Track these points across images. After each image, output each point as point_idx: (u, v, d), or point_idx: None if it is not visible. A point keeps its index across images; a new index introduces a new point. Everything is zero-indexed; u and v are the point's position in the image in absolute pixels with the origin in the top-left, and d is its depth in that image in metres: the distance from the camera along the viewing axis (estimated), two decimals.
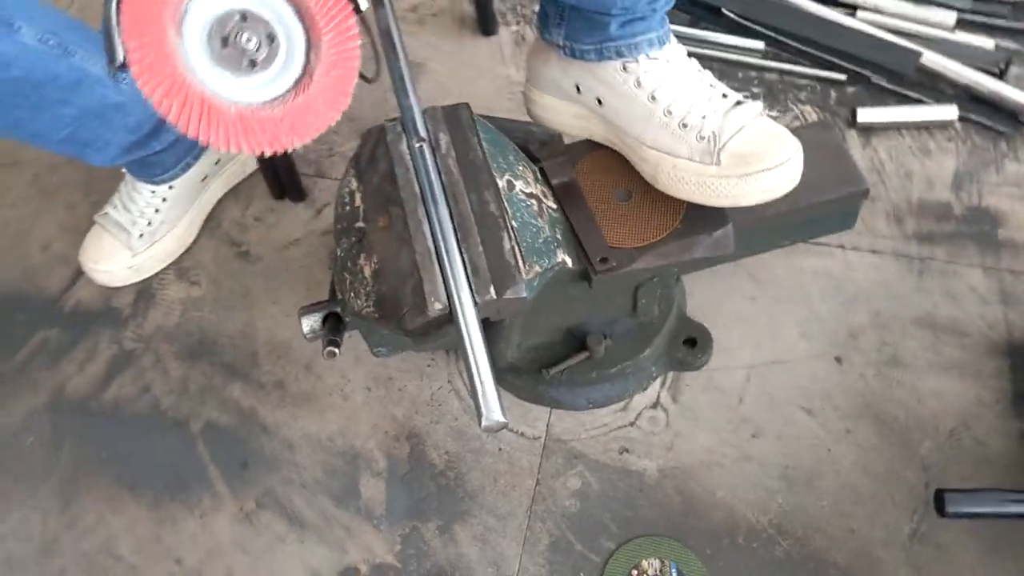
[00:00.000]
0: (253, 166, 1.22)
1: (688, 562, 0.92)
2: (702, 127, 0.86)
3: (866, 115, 1.20)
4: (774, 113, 1.23)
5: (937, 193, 1.15)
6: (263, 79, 0.67)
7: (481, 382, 0.73)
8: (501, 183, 0.84)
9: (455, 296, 0.76)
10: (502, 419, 0.71)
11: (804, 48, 1.26)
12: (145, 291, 1.17)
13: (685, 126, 0.87)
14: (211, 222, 1.22)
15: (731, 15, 1.28)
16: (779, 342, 1.05)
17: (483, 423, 0.71)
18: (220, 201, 1.23)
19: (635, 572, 0.92)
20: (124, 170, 1.14)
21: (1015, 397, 0.99)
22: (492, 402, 0.71)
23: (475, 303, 0.76)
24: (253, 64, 0.66)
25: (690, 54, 0.92)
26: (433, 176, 0.82)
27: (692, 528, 0.94)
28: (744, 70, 1.27)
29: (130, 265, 1.15)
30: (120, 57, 0.62)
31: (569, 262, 0.86)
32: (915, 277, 1.08)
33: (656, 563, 0.92)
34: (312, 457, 1.02)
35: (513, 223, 0.82)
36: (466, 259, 0.78)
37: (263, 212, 1.22)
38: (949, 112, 1.19)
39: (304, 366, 1.09)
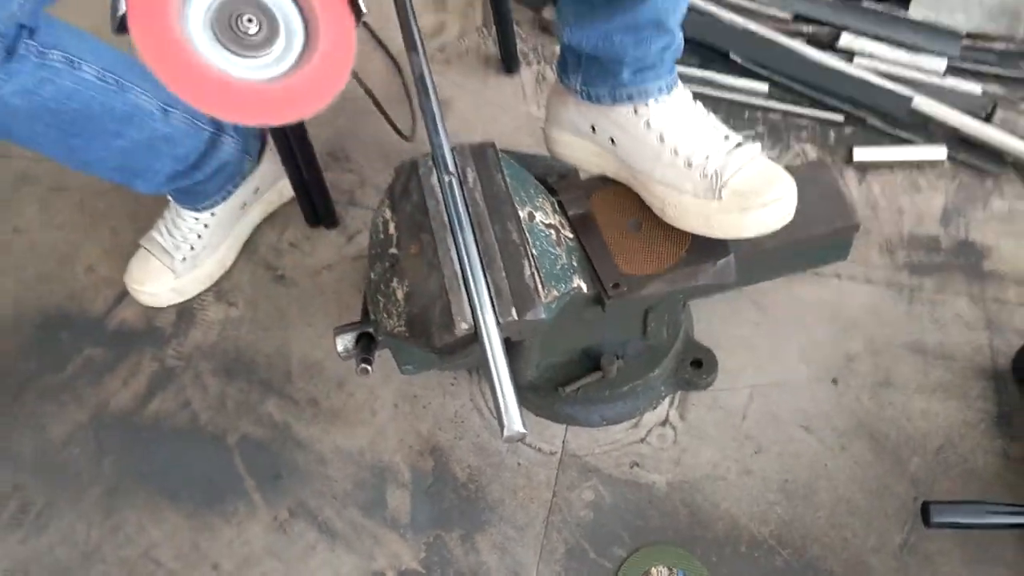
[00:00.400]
0: (290, 193, 1.30)
1: (694, 569, 0.98)
2: (705, 166, 0.94)
3: (861, 154, 1.29)
4: (776, 151, 1.31)
5: (927, 227, 1.23)
6: (263, 59, 0.68)
7: (503, 396, 0.80)
8: (523, 214, 0.92)
9: (480, 317, 0.83)
10: (522, 430, 0.78)
11: (805, 91, 1.35)
12: (186, 311, 1.25)
13: (690, 165, 0.95)
14: (249, 247, 1.30)
15: (738, 59, 1.37)
16: (779, 365, 1.12)
17: (505, 433, 0.78)
18: (258, 227, 1.31)
19: None
20: (169, 197, 1.22)
21: (998, 417, 1.06)
22: (513, 414, 0.78)
23: (498, 323, 0.84)
24: (253, 45, 0.67)
25: (698, 95, 1.00)
26: (461, 208, 0.90)
27: (698, 537, 1.01)
28: (749, 110, 1.36)
29: (173, 287, 1.23)
30: (122, 8, 0.63)
31: (584, 287, 0.94)
32: (906, 305, 1.16)
33: (664, 570, 0.98)
34: (342, 470, 1.09)
35: (533, 251, 0.90)
36: (490, 283, 0.86)
37: (298, 239, 1.30)
38: (938, 152, 1.27)
39: (336, 384, 1.16)
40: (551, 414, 1.09)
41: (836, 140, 1.32)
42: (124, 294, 1.26)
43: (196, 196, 1.20)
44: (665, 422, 1.09)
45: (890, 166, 1.29)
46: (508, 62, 1.43)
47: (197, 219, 1.22)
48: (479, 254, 0.87)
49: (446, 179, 0.91)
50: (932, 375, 1.10)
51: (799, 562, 0.98)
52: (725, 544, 1.00)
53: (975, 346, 1.11)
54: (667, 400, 1.10)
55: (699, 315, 1.15)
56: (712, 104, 1.24)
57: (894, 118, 1.31)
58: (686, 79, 1.23)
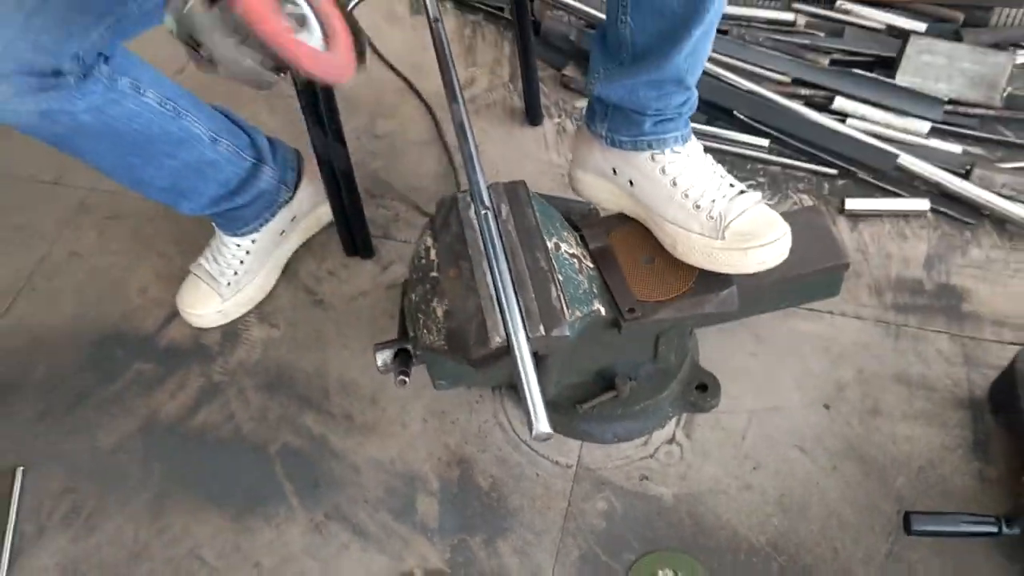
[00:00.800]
0: (326, 220, 1.41)
1: (698, 574, 1.07)
2: (712, 209, 1.07)
3: (853, 204, 1.41)
4: (775, 199, 1.44)
5: (912, 271, 1.34)
6: (307, 36, 0.81)
7: (532, 401, 0.90)
8: (550, 245, 1.04)
9: (512, 332, 0.94)
10: (549, 430, 0.88)
11: (802, 147, 1.48)
12: (231, 332, 1.36)
13: (698, 207, 1.07)
14: (289, 273, 1.41)
15: (741, 116, 1.50)
16: (776, 391, 1.23)
17: (533, 433, 0.88)
18: (298, 256, 1.42)
19: None
20: (215, 226, 1.34)
21: (974, 443, 1.16)
22: (541, 416, 0.89)
23: (528, 338, 0.94)
24: (299, 26, 0.81)
25: (706, 147, 1.13)
26: (496, 238, 1.01)
27: (701, 545, 1.10)
28: (751, 162, 1.49)
29: (219, 310, 1.34)
30: None
31: (603, 311, 1.05)
32: (892, 340, 1.27)
33: (670, 573, 1.08)
34: (375, 478, 1.19)
35: (559, 277, 1.01)
36: (521, 304, 0.97)
37: (336, 267, 1.41)
38: (922, 204, 1.40)
39: (370, 400, 1.26)
40: (568, 430, 1.19)
41: (830, 191, 1.45)
42: (173, 314, 1.37)
43: (236, 222, 1.32)
44: (672, 440, 1.19)
45: (879, 216, 1.41)
46: (532, 115, 1.57)
47: (239, 245, 1.33)
48: (512, 278, 0.99)
49: (483, 212, 1.03)
50: (915, 404, 1.20)
51: (793, 568, 1.07)
52: (726, 552, 1.09)
53: (954, 379, 1.22)
54: (674, 420, 1.21)
55: (704, 344, 1.25)
56: (718, 156, 1.36)
57: (882, 173, 1.44)
58: (696, 133, 1.35)
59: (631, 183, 1.12)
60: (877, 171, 1.44)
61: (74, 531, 1.18)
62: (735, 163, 1.48)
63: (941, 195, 1.42)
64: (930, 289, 1.32)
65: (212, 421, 1.27)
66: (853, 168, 1.45)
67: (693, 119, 1.10)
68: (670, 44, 0.99)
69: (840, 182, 1.46)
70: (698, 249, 1.07)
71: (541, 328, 0.96)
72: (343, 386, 1.28)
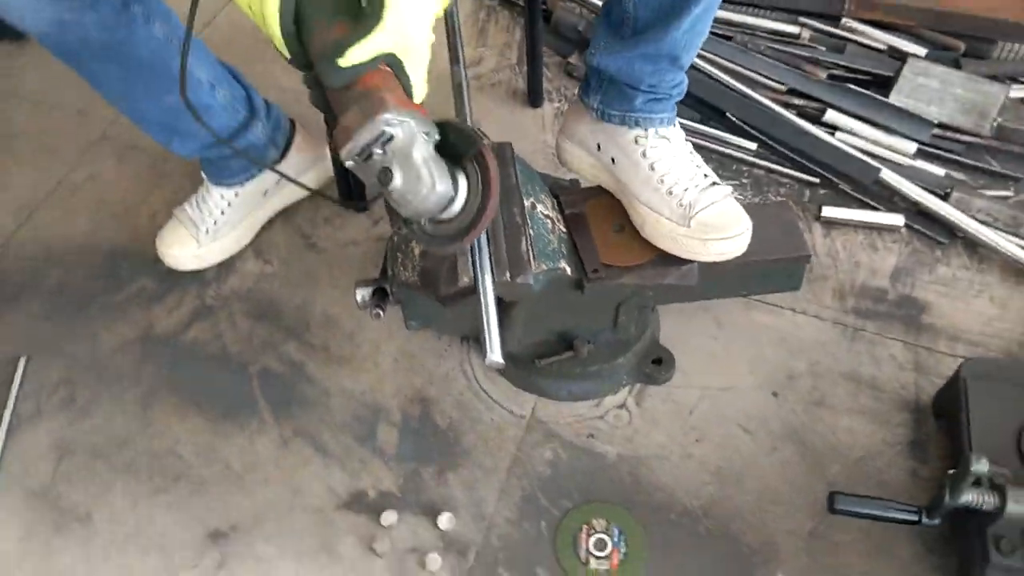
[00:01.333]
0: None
1: (630, 527, 1.14)
2: (683, 197, 1.14)
3: (829, 212, 1.47)
4: (756, 200, 1.50)
5: (877, 281, 1.40)
6: None
7: (490, 332, 0.97)
8: (527, 203, 1.12)
9: (479, 274, 1.02)
10: (500, 360, 0.95)
11: (788, 153, 1.55)
12: (227, 263, 1.44)
13: (671, 193, 1.14)
14: (286, 217, 1.49)
15: (733, 118, 1.57)
16: (730, 374, 1.29)
17: (487, 360, 0.95)
18: (298, 204, 1.51)
19: (586, 527, 1.14)
20: (203, 174, 1.41)
21: (912, 443, 1.22)
22: (496, 347, 0.96)
23: (493, 281, 1.02)
24: None
25: (696, 144, 1.19)
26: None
27: (637, 502, 1.17)
28: (737, 163, 1.56)
29: (195, 254, 1.40)
30: None
31: (568, 270, 1.13)
32: (848, 341, 1.33)
33: (603, 522, 1.14)
34: (343, 405, 1.27)
35: (531, 232, 1.09)
36: (491, 251, 1.04)
37: (331, 216, 1.50)
38: (897, 219, 1.46)
39: (348, 336, 1.34)
40: (526, 384, 1.27)
41: (810, 198, 1.51)
42: None
43: (223, 171, 1.38)
44: (623, 406, 1.26)
45: (854, 226, 1.47)
46: (534, 97, 1.65)
47: (223, 196, 1.39)
48: (487, 229, 1.06)
49: None
50: (862, 401, 1.26)
51: (720, 532, 1.14)
52: (659, 510, 1.16)
53: (903, 383, 1.28)
54: (627, 389, 1.27)
55: (666, 324, 1.32)
56: (705, 154, 1.42)
57: (863, 186, 1.50)
58: (687, 130, 1.42)
59: (613, 161, 1.19)
60: (858, 183, 1.51)
61: (68, 416, 1.27)
62: (722, 162, 1.55)
63: (918, 213, 1.48)
64: (892, 299, 1.38)
65: (202, 338, 1.35)
66: (835, 179, 1.52)
67: (685, 116, 1.17)
68: (671, 18, 1.05)
69: (821, 191, 1.52)
70: (665, 232, 1.14)
71: (507, 274, 1.04)
72: (325, 321, 1.36)
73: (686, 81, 1.15)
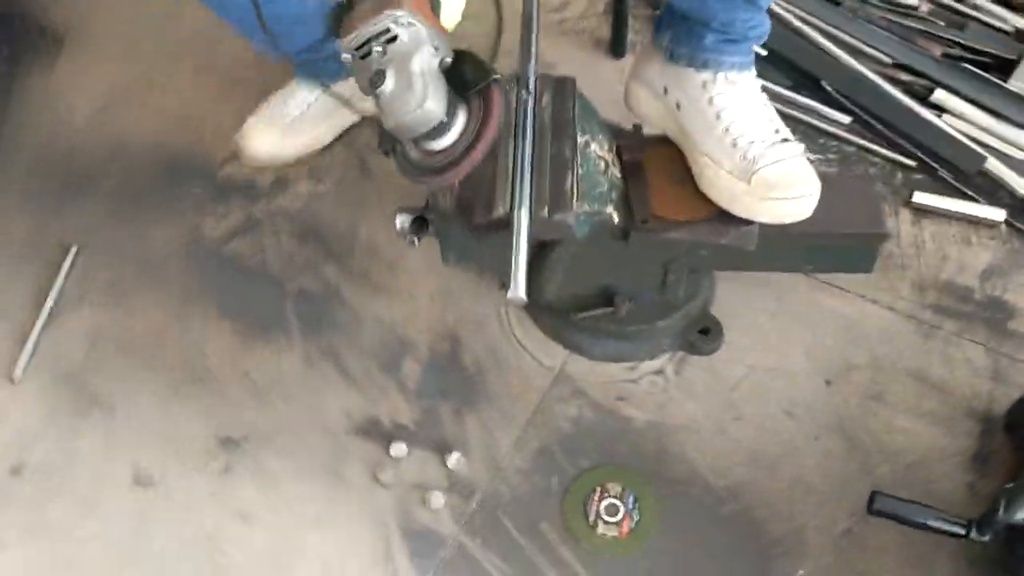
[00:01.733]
0: None
1: (645, 496, 1.07)
2: (747, 150, 1.05)
3: (922, 198, 1.34)
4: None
5: (965, 278, 1.27)
6: None
7: (517, 268, 0.92)
8: (580, 140, 1.05)
9: (516, 205, 0.96)
10: (523, 297, 0.90)
11: (885, 131, 1.42)
12: (282, 179, 1.43)
13: (735, 145, 1.05)
14: (347, 140, 1.46)
15: (828, 88, 1.45)
16: (781, 355, 1.20)
17: (509, 295, 0.90)
18: (358, 127, 1.47)
19: (599, 489, 1.08)
20: (294, 69, 1.41)
21: (975, 456, 1.10)
22: (520, 283, 0.90)
23: (530, 215, 0.96)
24: None
25: (781, 113, 1.09)
26: (528, 121, 1.03)
27: (657, 473, 1.10)
28: (826, 137, 1.43)
29: (272, 147, 1.40)
30: None
31: (615, 217, 1.05)
32: (920, 339, 1.21)
33: (618, 488, 1.08)
34: (373, 332, 1.24)
35: (580, 170, 1.02)
36: (534, 184, 0.99)
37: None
38: (997, 214, 1.32)
39: (388, 265, 1.31)
40: (560, 337, 1.20)
41: (902, 182, 1.38)
42: (236, 153, 1.46)
43: (313, 71, 1.37)
44: (660, 372, 1.18)
45: (948, 217, 1.34)
46: (616, 47, 1.56)
47: (309, 92, 1.40)
48: (532, 159, 1.00)
49: (524, 95, 1.05)
50: (925, 403, 1.15)
51: (742, 517, 1.06)
52: (680, 484, 1.09)
53: (976, 390, 1.16)
54: (667, 356, 1.20)
55: (720, 292, 1.23)
56: (791, 124, 1.31)
57: (965, 174, 1.36)
58: (774, 96, 1.31)
59: (678, 106, 1.11)
60: (959, 171, 1.37)
61: (107, 308, 1.29)
62: (808, 135, 1.43)
63: (1022, 211, 1.33)
64: (979, 299, 1.25)
65: (245, 251, 1.35)
66: (934, 164, 1.38)
67: (775, 81, 1.08)
68: None
69: (916, 175, 1.38)
70: (721, 186, 1.06)
71: (546, 210, 0.98)
72: (368, 248, 1.34)
73: (767, 24, 1.06)
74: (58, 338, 1.26)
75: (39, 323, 1.27)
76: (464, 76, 0.82)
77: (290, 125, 1.40)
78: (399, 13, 0.77)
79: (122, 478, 1.14)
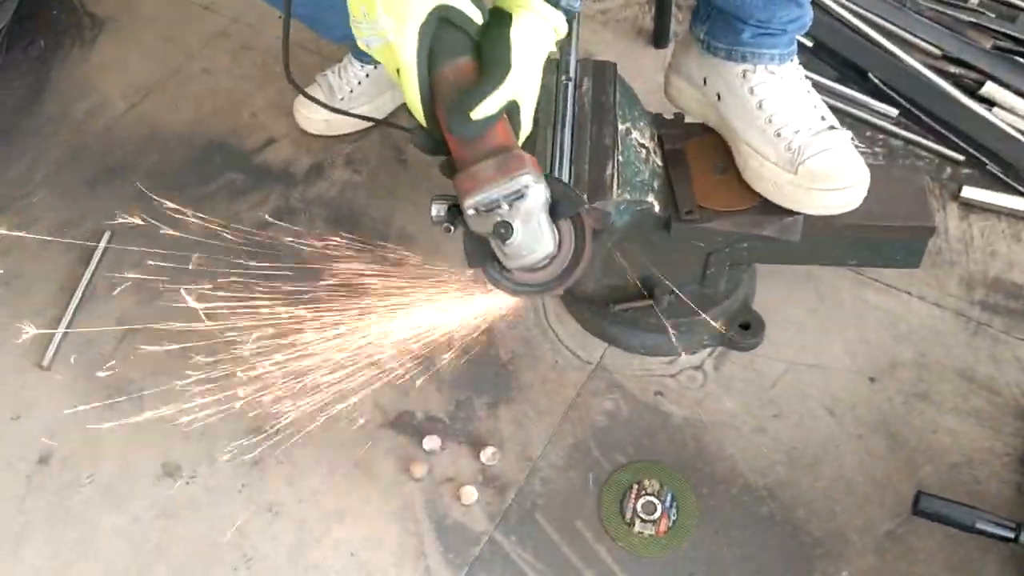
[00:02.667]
0: None
1: (684, 494, 1.05)
2: (792, 140, 1.02)
3: (971, 193, 1.31)
4: None
5: (1015, 275, 1.24)
6: None
7: None
8: (621, 127, 1.03)
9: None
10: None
11: (933, 124, 1.38)
12: (317, 166, 1.42)
13: (779, 135, 1.03)
14: (384, 130, 1.46)
15: (876, 80, 1.42)
16: (824, 352, 1.17)
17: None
18: (396, 116, 1.46)
19: (635, 486, 1.05)
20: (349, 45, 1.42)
21: (1023, 457, 1.07)
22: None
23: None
24: None
25: (828, 107, 1.06)
26: (568, 106, 1.01)
27: (697, 470, 1.07)
28: (872, 130, 1.40)
29: (326, 119, 1.42)
30: None
31: (657, 207, 1.03)
32: (968, 336, 1.17)
33: (656, 485, 1.05)
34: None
35: (620, 158, 1.00)
36: (572, 170, 0.97)
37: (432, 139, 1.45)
38: None
39: (422, 256, 1.29)
40: (598, 330, 1.18)
41: (950, 176, 1.34)
42: (273, 140, 1.46)
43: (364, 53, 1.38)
44: (699, 368, 1.16)
45: (997, 212, 1.30)
46: (658, 37, 1.54)
47: (362, 68, 1.42)
48: (571, 146, 0.98)
49: (564, 81, 1.03)
50: (972, 401, 1.11)
51: (783, 516, 1.03)
52: (719, 482, 1.06)
53: None
54: (707, 350, 1.17)
55: (762, 287, 1.21)
56: (837, 117, 1.29)
57: (1015, 169, 1.32)
58: (820, 87, 1.28)
59: (718, 96, 1.08)
60: (1009, 166, 1.33)
61: (138, 295, 1.28)
62: (855, 127, 1.39)
63: None
64: None
65: (279, 237, 1.33)
66: (983, 158, 1.34)
67: (821, 73, 1.05)
68: None
69: (964, 170, 1.35)
70: (767, 178, 1.03)
71: (584, 196, 0.96)
72: (402, 237, 1.32)
73: (808, 16, 1.03)
74: (89, 326, 1.26)
75: (70, 310, 1.27)
76: (554, 199, 0.86)
77: (342, 101, 1.42)
78: (527, 176, 0.82)
79: (150, 469, 1.13)
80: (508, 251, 0.85)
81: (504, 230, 0.83)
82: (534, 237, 0.84)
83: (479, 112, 0.81)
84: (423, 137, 0.88)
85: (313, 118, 1.44)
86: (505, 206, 0.83)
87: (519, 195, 0.82)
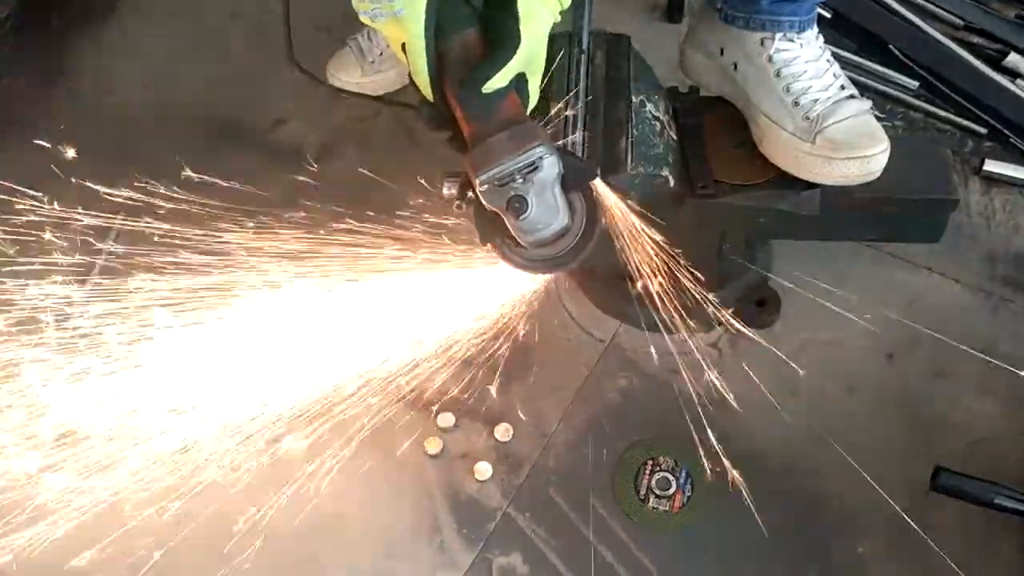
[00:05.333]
0: None
1: (699, 470, 1.04)
2: (811, 109, 1.00)
3: (993, 166, 1.28)
4: None
5: None
6: None
7: None
8: (635, 100, 1.01)
9: None
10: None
11: (954, 96, 1.35)
12: (328, 144, 1.42)
13: (797, 104, 1.01)
14: (398, 109, 1.44)
15: (896, 51, 1.39)
16: (842, 329, 1.15)
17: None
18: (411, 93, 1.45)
19: (650, 462, 1.05)
20: None
21: None
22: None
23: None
24: None
25: (851, 80, 1.05)
26: (581, 79, 0.99)
27: (712, 447, 1.05)
28: (892, 103, 1.37)
29: (357, 81, 1.43)
30: None
31: (672, 181, 1.02)
32: (989, 313, 1.16)
33: (671, 461, 1.05)
34: None
35: (634, 131, 0.98)
36: (586, 143, 0.95)
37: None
38: None
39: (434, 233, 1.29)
40: (611, 309, 1.17)
41: (972, 149, 1.32)
42: (284, 120, 1.45)
43: None
44: (715, 345, 1.15)
45: (1020, 186, 1.28)
46: (672, 12, 1.52)
47: None
48: (584, 119, 0.97)
49: (577, 54, 1.01)
50: (991, 379, 1.10)
51: (799, 493, 1.03)
52: (735, 459, 1.04)
53: None
54: (722, 327, 1.16)
55: (779, 263, 1.19)
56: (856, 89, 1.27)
57: None
58: (840, 58, 1.26)
59: (735, 66, 1.06)
60: None
61: (157, 271, 1.25)
62: (874, 99, 1.35)
63: None
64: None
65: (292, 216, 1.33)
66: (1007, 131, 1.32)
67: (839, 45, 1.03)
68: None
69: (987, 143, 1.32)
70: (784, 148, 1.01)
71: (598, 171, 0.94)
72: (414, 215, 1.31)
73: None
74: (107, 304, 1.27)
75: (88, 288, 1.27)
76: (566, 171, 0.84)
77: (373, 64, 1.43)
78: (541, 148, 0.80)
79: (169, 444, 1.14)
80: (523, 225, 0.84)
81: (519, 204, 0.82)
82: (548, 210, 0.83)
83: (491, 85, 0.80)
84: (430, 112, 0.87)
85: (345, 80, 1.45)
86: (519, 179, 0.81)
87: (533, 167, 0.81)
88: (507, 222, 0.85)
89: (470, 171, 0.84)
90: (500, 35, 0.81)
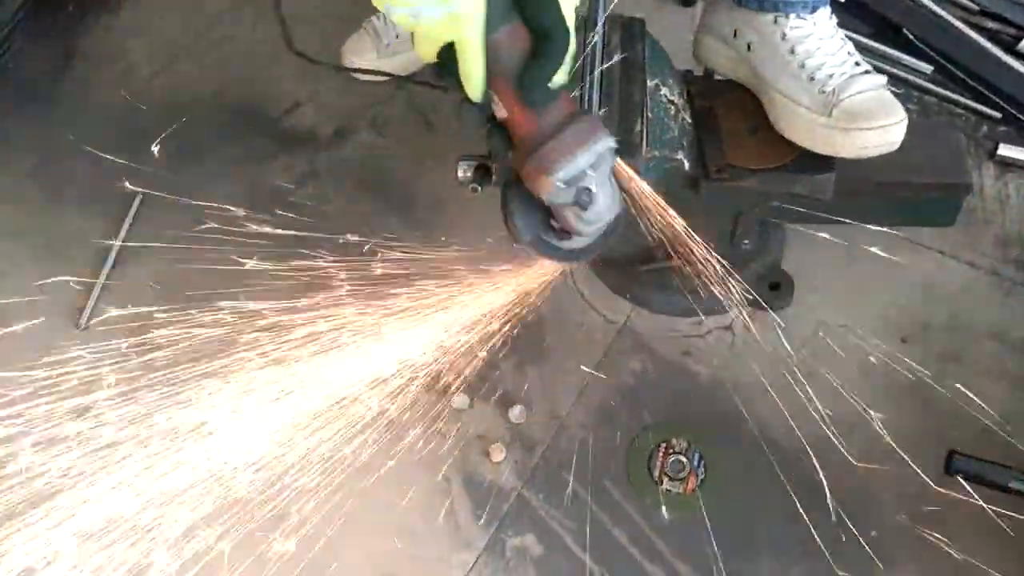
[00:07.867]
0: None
1: (712, 453, 1.05)
2: (826, 83, 1.00)
3: (1008, 151, 1.28)
4: None
5: None
6: None
7: None
8: (650, 83, 1.01)
9: None
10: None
11: (969, 80, 1.35)
12: (342, 130, 1.42)
13: (812, 79, 1.01)
14: (411, 94, 1.45)
15: (910, 35, 1.38)
16: (855, 313, 1.15)
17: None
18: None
19: (664, 445, 1.06)
20: None
21: None
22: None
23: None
24: None
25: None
26: (595, 63, 0.99)
27: (725, 430, 1.08)
28: (906, 87, 1.37)
29: (374, 63, 1.43)
30: None
31: (686, 164, 1.02)
32: (1002, 296, 1.16)
33: (684, 444, 1.06)
34: None
35: (649, 115, 0.99)
36: None
37: (455, 103, 1.44)
38: None
39: (449, 221, 1.30)
40: (625, 291, 1.18)
41: (986, 134, 1.32)
42: (298, 105, 1.46)
43: None
44: (728, 328, 1.15)
45: None
46: None
47: None
48: (599, 103, 0.97)
49: (591, 37, 1.01)
50: (1005, 364, 1.10)
51: (813, 478, 1.02)
52: (749, 442, 1.06)
53: None
54: (736, 311, 1.16)
55: (793, 247, 1.19)
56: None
57: None
58: (853, 41, 1.26)
59: (749, 47, 1.06)
60: None
61: (168, 257, 1.28)
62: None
63: None
64: None
65: (306, 201, 1.34)
66: (1021, 116, 1.31)
67: (852, 29, 1.03)
68: None
69: (1001, 127, 1.32)
70: (800, 124, 1.02)
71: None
72: (429, 202, 1.32)
73: None
74: (123, 287, 1.28)
75: (104, 271, 1.29)
76: None
77: (388, 46, 1.44)
78: (608, 139, 0.80)
79: (183, 428, 1.15)
80: (589, 216, 0.82)
81: (587, 196, 0.81)
82: (611, 198, 0.83)
83: (557, 80, 0.78)
84: (474, 111, 0.83)
85: (360, 62, 1.45)
86: (589, 172, 0.80)
87: (602, 159, 0.80)
88: (566, 215, 0.83)
89: (535, 171, 0.81)
90: (541, 23, 0.77)
